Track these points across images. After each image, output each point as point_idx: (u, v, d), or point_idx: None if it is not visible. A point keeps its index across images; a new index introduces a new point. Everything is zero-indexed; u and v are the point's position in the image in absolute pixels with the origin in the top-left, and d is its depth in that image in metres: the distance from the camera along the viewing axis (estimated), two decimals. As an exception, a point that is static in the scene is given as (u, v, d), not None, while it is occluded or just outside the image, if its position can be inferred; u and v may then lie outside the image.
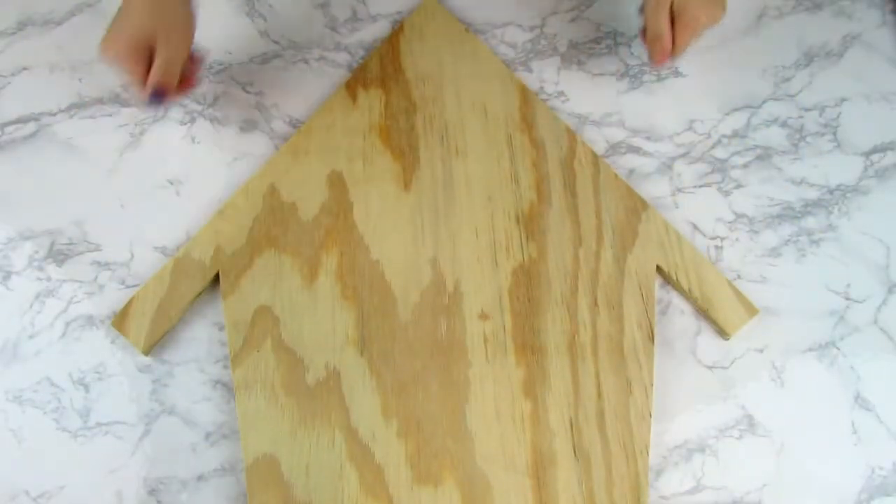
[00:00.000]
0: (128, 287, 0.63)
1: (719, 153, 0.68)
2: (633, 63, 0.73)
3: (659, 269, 0.62)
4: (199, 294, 0.61)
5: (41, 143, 0.69)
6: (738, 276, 0.63)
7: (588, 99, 0.71)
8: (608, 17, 0.76)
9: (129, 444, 0.57)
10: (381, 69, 0.71)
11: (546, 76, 0.72)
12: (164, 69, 0.60)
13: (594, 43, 0.74)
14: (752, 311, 0.60)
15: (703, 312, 0.61)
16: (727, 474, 0.56)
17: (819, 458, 0.56)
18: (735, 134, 0.69)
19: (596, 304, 0.60)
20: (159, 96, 0.59)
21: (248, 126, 0.70)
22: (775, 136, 0.69)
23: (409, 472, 0.55)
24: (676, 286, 0.62)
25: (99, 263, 0.64)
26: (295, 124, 0.70)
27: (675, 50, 0.60)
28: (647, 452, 0.55)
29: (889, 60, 0.73)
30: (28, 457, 0.57)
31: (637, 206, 0.64)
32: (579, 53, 0.73)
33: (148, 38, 0.60)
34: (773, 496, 0.55)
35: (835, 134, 0.69)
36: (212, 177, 0.67)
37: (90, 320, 0.61)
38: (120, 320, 0.60)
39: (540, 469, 0.55)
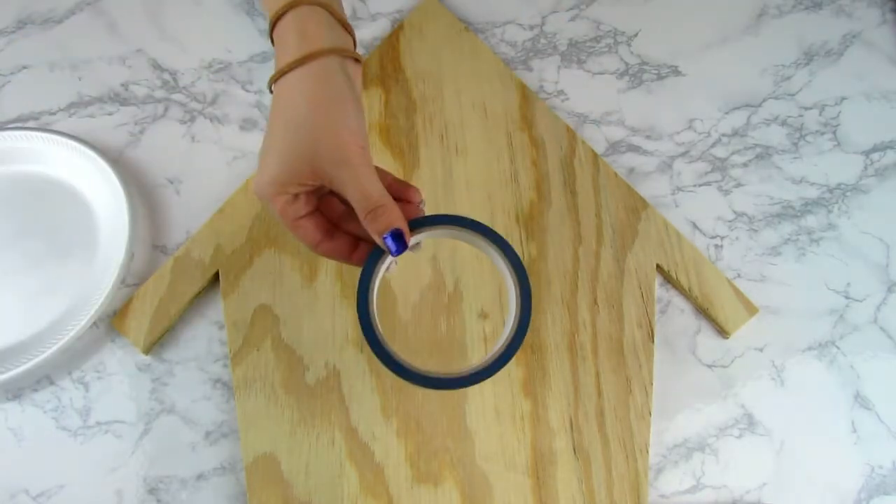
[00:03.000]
0: (127, 286, 0.63)
1: (719, 152, 0.68)
2: (633, 62, 0.73)
3: (659, 267, 0.62)
4: (199, 293, 0.61)
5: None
6: (738, 275, 0.63)
7: (588, 98, 0.71)
8: (608, 16, 0.76)
9: (128, 443, 0.57)
10: (380, 68, 0.71)
11: (546, 75, 0.72)
12: (366, 209, 0.42)
13: (594, 42, 0.74)
14: (751, 309, 0.60)
15: (703, 311, 0.61)
16: (727, 473, 0.56)
17: (819, 457, 0.56)
18: (735, 133, 0.69)
19: (596, 303, 0.60)
20: (396, 240, 0.43)
21: (247, 125, 0.70)
22: (775, 135, 0.69)
23: (408, 472, 0.54)
24: (676, 285, 0.62)
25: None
26: (295, 123, 0.70)
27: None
28: (647, 451, 0.55)
29: (889, 59, 0.73)
30: (28, 456, 0.57)
31: (637, 205, 0.64)
32: (579, 52, 0.73)
33: (312, 171, 0.43)
34: (772, 495, 0.55)
35: (835, 133, 0.69)
36: (211, 176, 0.67)
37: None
38: (120, 319, 0.60)
39: (540, 468, 0.55)
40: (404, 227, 0.43)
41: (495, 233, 0.46)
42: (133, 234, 0.62)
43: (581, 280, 0.61)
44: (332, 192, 0.46)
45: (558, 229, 0.63)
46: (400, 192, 0.46)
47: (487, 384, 0.57)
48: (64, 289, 0.62)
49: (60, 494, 0.55)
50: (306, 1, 0.45)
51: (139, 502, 0.55)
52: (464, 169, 0.66)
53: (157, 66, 0.73)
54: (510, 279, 0.46)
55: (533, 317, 0.59)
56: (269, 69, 0.72)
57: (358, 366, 0.58)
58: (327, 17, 0.45)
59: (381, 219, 0.42)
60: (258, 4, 0.77)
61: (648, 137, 0.69)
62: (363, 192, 0.42)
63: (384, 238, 0.42)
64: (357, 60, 0.47)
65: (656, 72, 0.72)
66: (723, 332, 0.60)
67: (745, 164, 0.67)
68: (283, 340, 0.59)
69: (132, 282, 0.63)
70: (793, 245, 0.64)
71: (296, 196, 0.44)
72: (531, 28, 0.75)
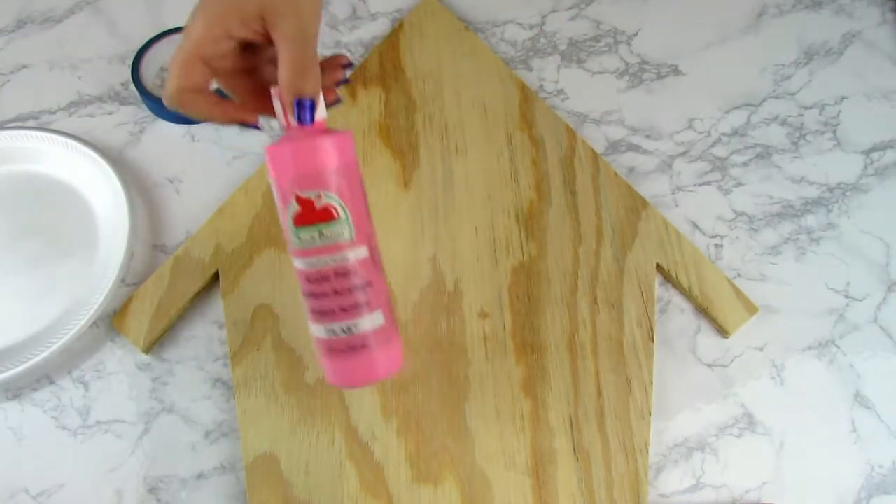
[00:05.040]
0: (127, 285, 0.63)
1: (719, 151, 0.68)
2: (633, 61, 0.73)
3: (659, 267, 0.62)
4: (199, 292, 0.61)
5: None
6: (738, 275, 0.63)
7: (588, 97, 0.71)
8: (608, 16, 0.76)
9: (128, 443, 0.57)
10: (380, 67, 0.71)
11: (546, 74, 0.72)
12: (300, 62, 0.41)
13: (594, 41, 0.74)
14: (751, 309, 0.60)
15: (703, 311, 0.61)
16: (727, 473, 0.56)
17: (819, 457, 0.56)
18: (735, 132, 0.69)
19: (596, 302, 0.60)
20: (304, 108, 0.42)
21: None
22: (775, 135, 0.69)
23: (408, 471, 0.54)
24: (676, 284, 0.62)
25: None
26: (294, 122, 0.70)
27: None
28: (647, 451, 0.55)
29: (889, 58, 0.73)
30: (28, 455, 0.57)
31: (637, 205, 0.64)
32: (579, 51, 0.73)
33: (256, 8, 0.41)
34: (772, 494, 0.55)
35: (835, 132, 0.69)
36: (211, 175, 0.67)
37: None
38: (120, 319, 0.60)
39: (540, 467, 0.55)
40: (317, 100, 0.43)
41: None
42: (133, 234, 0.62)
43: (581, 279, 0.61)
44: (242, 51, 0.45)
45: (558, 229, 0.63)
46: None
47: (487, 383, 0.57)
48: (64, 288, 0.62)
49: (60, 494, 0.55)
50: None
51: (139, 502, 0.55)
52: (464, 168, 0.66)
53: (156, 66, 0.73)
54: None
55: (533, 316, 0.59)
56: (269, 68, 0.73)
57: (358, 365, 0.58)
58: None
59: (306, 82, 0.41)
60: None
61: (648, 137, 0.69)
62: (303, 49, 0.41)
63: (294, 102, 0.42)
64: None
65: (656, 71, 0.72)
66: (723, 332, 0.60)
67: (745, 164, 0.67)
68: (283, 340, 0.59)
69: (132, 281, 0.63)
70: (793, 244, 0.64)
71: (220, 41, 0.42)
72: (531, 27, 0.75)
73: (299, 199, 0.43)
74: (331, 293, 0.44)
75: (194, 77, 0.42)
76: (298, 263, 0.44)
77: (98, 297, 0.59)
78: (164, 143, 0.69)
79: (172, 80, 0.42)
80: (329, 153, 0.43)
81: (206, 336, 0.61)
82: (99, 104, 0.71)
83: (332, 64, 0.46)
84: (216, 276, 0.62)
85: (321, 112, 0.44)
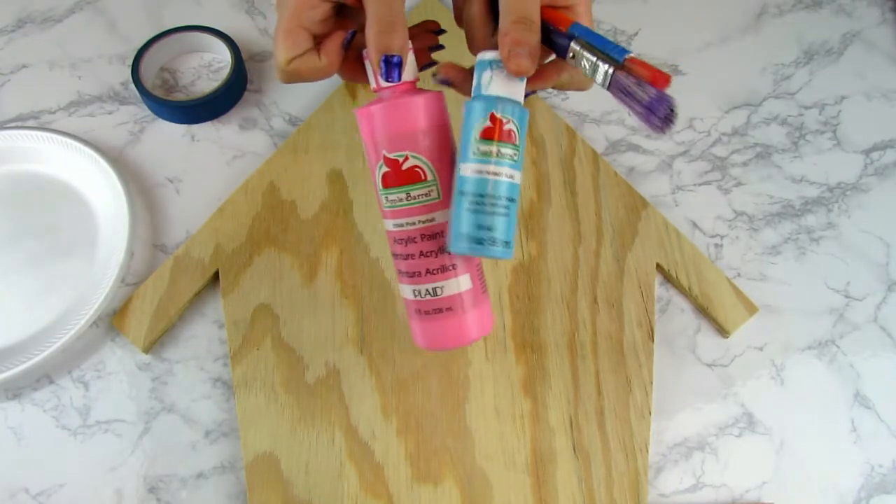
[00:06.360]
0: (127, 285, 0.63)
1: (719, 151, 0.68)
2: (633, 61, 0.73)
3: (659, 267, 0.62)
4: (199, 292, 0.61)
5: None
6: (738, 274, 0.63)
7: (588, 97, 0.71)
8: (608, 15, 0.76)
9: (128, 442, 0.57)
10: (380, 67, 0.71)
11: (546, 74, 0.72)
12: (386, 19, 0.41)
13: (594, 41, 0.74)
14: (751, 309, 0.60)
15: (703, 310, 0.61)
16: (727, 472, 0.56)
17: (819, 456, 0.56)
18: (735, 132, 0.69)
19: (596, 302, 0.60)
20: (391, 66, 0.42)
21: (247, 124, 0.70)
22: (775, 134, 0.69)
23: (408, 471, 0.54)
24: (676, 284, 0.62)
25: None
26: (294, 122, 0.70)
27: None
28: (647, 450, 0.55)
29: (889, 58, 0.73)
30: (27, 455, 0.57)
31: (637, 205, 0.64)
32: (579, 51, 0.73)
33: None
34: (772, 494, 0.55)
35: (835, 132, 0.69)
36: (211, 175, 0.67)
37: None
38: (120, 318, 0.60)
39: (539, 467, 0.55)
40: (405, 57, 0.42)
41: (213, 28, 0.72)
42: (133, 234, 0.62)
43: (581, 279, 0.61)
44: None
45: (558, 228, 0.63)
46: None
47: (487, 382, 0.57)
48: (64, 288, 0.62)
49: (60, 493, 0.55)
50: None
51: (139, 501, 0.55)
52: (464, 168, 0.66)
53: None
54: (227, 49, 0.70)
55: (533, 316, 0.59)
56: (269, 69, 0.73)
57: (358, 365, 0.58)
58: None
59: (392, 39, 0.41)
60: (258, 3, 0.77)
61: (648, 136, 0.69)
62: (389, 6, 0.41)
63: (381, 59, 0.41)
64: None
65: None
66: (723, 332, 0.60)
67: (745, 164, 0.67)
68: (283, 339, 0.59)
69: (132, 281, 0.63)
70: (793, 244, 0.64)
71: (316, 6, 0.42)
72: (531, 27, 0.75)
73: (387, 160, 0.42)
74: (417, 255, 0.43)
75: (299, 45, 0.42)
76: (387, 224, 0.44)
77: (98, 297, 0.59)
78: (164, 143, 0.69)
79: (279, 51, 0.42)
80: (417, 113, 0.42)
81: (206, 336, 0.61)
82: (99, 104, 0.71)
83: (423, 29, 0.47)
84: (216, 276, 0.62)
85: (412, 72, 0.43)
